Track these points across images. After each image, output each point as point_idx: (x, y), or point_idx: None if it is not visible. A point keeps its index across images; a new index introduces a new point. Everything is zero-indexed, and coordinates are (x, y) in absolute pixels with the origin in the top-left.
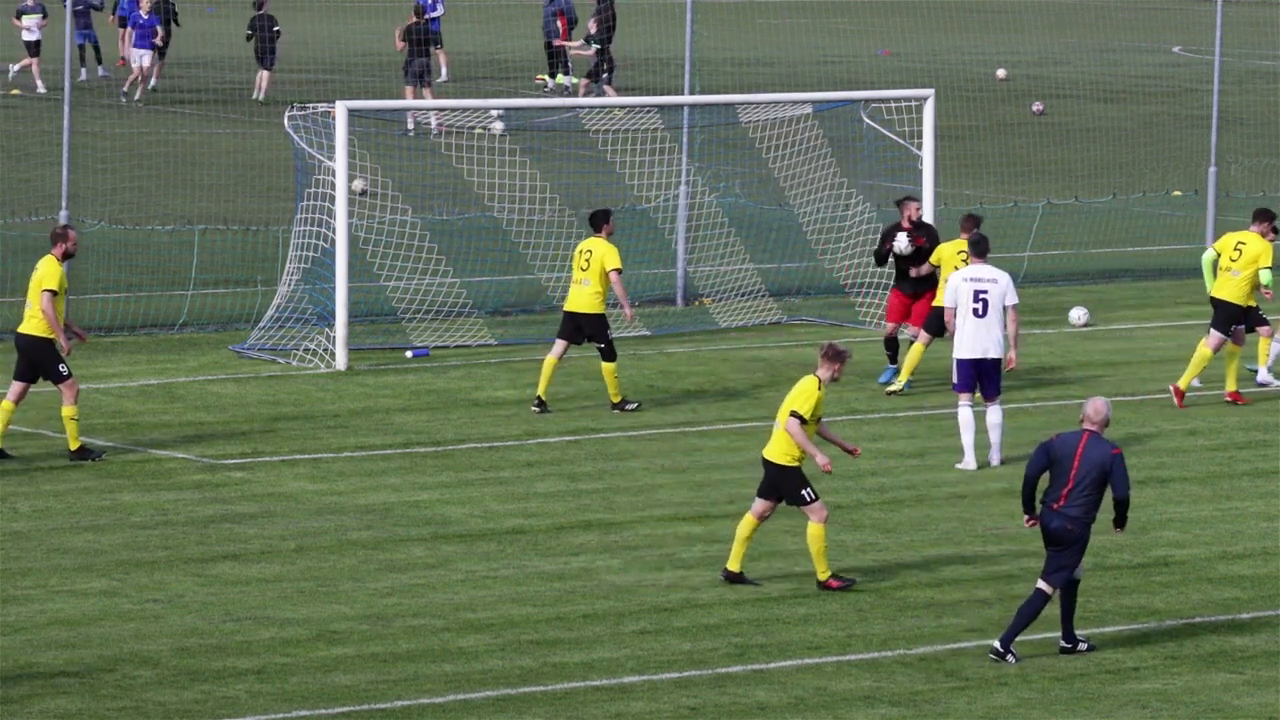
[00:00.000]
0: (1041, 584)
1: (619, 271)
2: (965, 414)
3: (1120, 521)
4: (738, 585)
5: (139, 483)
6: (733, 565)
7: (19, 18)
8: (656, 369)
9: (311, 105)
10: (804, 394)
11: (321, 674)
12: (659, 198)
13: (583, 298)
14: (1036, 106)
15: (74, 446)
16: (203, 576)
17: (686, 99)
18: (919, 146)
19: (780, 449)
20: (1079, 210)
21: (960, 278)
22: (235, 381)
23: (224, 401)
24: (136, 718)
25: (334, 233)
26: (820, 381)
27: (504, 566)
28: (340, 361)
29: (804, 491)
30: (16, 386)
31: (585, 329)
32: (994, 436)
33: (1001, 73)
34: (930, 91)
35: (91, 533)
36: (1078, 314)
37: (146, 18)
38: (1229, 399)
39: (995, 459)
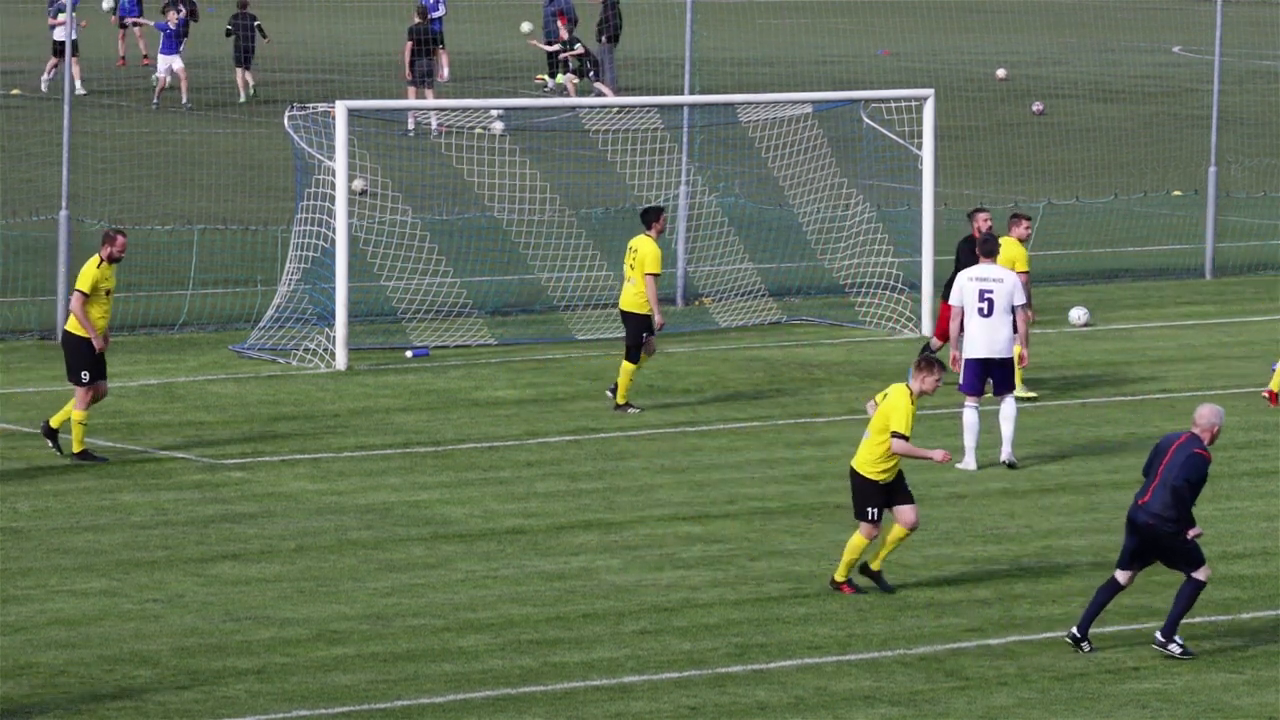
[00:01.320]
0: (1196, 575)
1: (655, 276)
2: (970, 415)
3: (1185, 524)
4: (869, 581)
5: (139, 483)
6: (873, 563)
7: (56, 16)
8: (657, 369)
9: (311, 105)
10: (900, 410)
11: (321, 674)
12: (659, 198)
13: (627, 296)
14: (1037, 106)
15: (77, 449)
16: (203, 576)
17: (687, 99)
18: (919, 146)
19: (865, 461)
20: (1079, 210)
21: (966, 277)
22: (235, 381)
23: (224, 401)
24: (136, 718)
25: (334, 233)
26: (912, 394)
27: (504, 566)
28: (340, 361)
29: (869, 509)
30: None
31: (626, 326)
32: (1006, 430)
33: (1001, 73)
34: (930, 91)
35: (91, 533)
36: (1078, 314)
37: (175, 25)
38: (1266, 394)
39: (1006, 452)
